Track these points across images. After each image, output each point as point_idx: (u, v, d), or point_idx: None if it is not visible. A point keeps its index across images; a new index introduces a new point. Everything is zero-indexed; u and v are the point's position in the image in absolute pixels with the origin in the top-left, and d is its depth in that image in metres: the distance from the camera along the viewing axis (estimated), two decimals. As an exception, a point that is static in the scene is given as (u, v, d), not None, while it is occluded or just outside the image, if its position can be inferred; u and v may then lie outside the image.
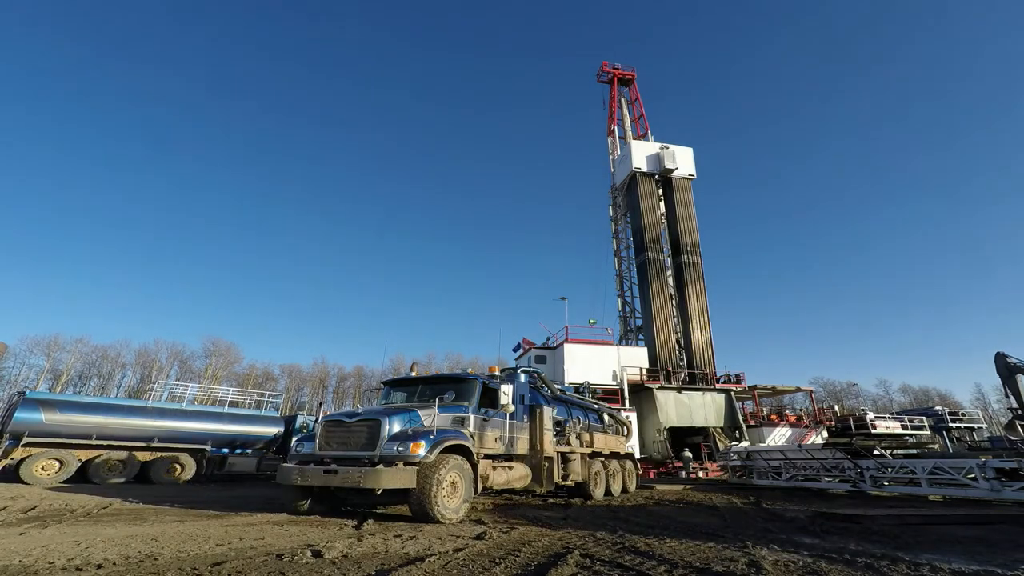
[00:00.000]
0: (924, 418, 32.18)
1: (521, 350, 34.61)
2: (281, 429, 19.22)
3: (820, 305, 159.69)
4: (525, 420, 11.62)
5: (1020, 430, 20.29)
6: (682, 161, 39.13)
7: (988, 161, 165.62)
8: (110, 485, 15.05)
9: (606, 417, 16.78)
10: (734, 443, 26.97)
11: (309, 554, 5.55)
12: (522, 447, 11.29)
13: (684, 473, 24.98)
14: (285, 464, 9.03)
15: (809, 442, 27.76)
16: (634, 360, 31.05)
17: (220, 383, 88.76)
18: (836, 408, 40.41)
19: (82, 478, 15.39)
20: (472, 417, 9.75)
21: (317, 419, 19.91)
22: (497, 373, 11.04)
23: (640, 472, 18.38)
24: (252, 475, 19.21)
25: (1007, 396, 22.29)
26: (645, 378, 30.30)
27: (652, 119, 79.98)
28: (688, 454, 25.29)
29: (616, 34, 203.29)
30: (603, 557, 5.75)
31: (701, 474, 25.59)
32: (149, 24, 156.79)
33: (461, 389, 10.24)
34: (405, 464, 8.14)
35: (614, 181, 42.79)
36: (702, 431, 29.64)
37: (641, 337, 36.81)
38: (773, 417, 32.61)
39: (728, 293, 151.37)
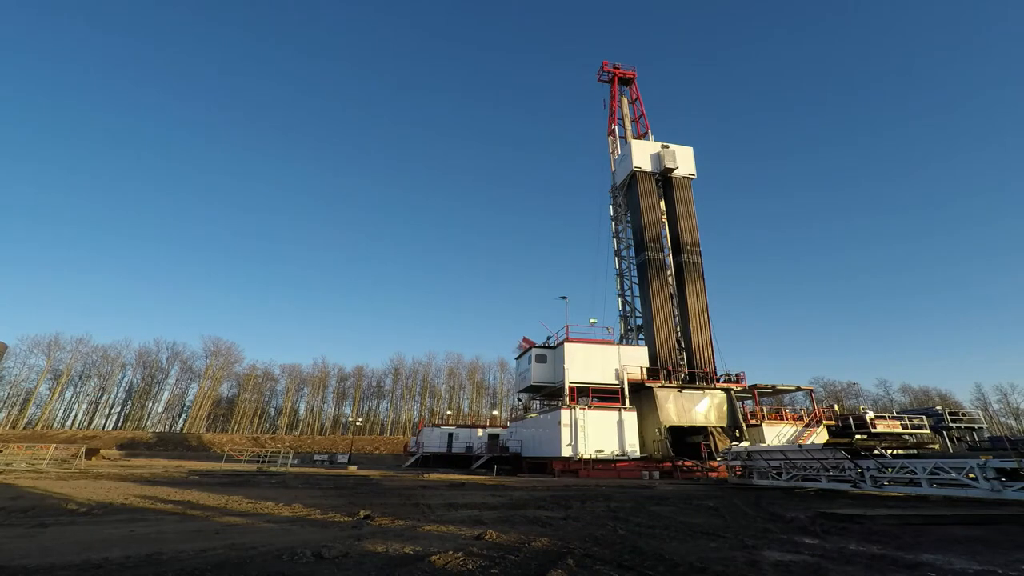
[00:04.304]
0: (924, 418, 32.07)
1: (521, 349, 34.61)
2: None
3: (820, 305, 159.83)
4: None
5: None
6: (682, 160, 39.05)
7: (990, 165, 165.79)
8: (110, 484, 15.02)
9: None
10: (734, 443, 26.92)
11: (309, 554, 5.54)
12: None
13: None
14: None
15: (809, 442, 27.72)
16: (634, 359, 31.02)
17: (220, 383, 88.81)
18: (836, 408, 40.33)
19: (82, 477, 15.35)
20: None
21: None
22: None
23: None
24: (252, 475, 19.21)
25: None
26: (645, 377, 30.28)
27: (652, 119, 79.99)
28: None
29: (616, 34, 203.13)
30: (603, 557, 5.73)
31: (699, 474, 25.54)
32: (153, 27, 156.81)
33: None
34: None
35: (614, 181, 42.69)
36: (702, 430, 29.58)
37: (641, 336, 36.75)
38: (773, 416, 32.57)
39: (728, 293, 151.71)
